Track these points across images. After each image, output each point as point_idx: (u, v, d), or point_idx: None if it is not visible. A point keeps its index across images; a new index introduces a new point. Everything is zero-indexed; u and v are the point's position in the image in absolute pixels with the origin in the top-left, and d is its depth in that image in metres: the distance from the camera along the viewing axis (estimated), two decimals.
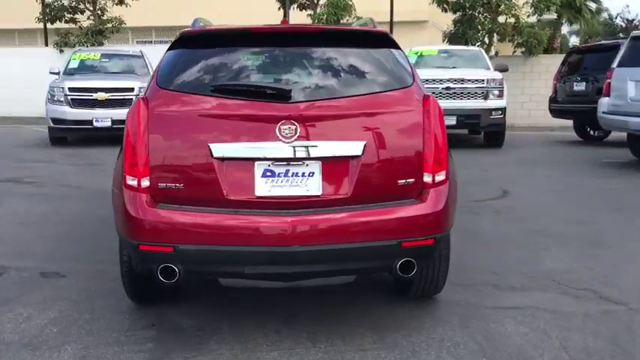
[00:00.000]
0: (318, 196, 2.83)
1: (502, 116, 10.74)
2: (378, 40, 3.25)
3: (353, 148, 2.84)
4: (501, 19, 17.79)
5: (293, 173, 2.83)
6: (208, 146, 2.80)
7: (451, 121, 10.57)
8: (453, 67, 11.48)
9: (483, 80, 10.64)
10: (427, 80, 10.77)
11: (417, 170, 2.93)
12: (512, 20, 17.48)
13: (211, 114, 2.86)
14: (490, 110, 10.61)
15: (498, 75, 10.91)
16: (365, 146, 2.85)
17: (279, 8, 19.81)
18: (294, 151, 2.80)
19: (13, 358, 2.93)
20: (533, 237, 5.04)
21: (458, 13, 17.61)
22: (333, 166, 2.85)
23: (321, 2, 20.22)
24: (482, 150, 11.11)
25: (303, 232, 2.76)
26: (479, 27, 17.36)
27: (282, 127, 2.79)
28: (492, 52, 17.37)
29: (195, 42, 3.17)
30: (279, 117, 2.80)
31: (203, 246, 2.78)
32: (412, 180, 2.93)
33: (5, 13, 26.50)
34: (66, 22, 20.57)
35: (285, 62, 3.07)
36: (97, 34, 19.74)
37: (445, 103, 10.61)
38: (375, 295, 3.72)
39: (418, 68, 11.45)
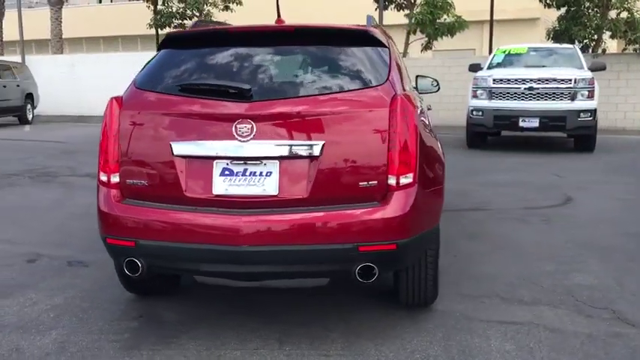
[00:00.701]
0: (274, 196, 2.79)
1: (592, 119, 9.97)
2: (358, 37, 3.15)
3: (310, 148, 2.78)
4: (613, 13, 16.55)
5: (251, 172, 2.81)
6: (170, 145, 2.86)
7: (533, 123, 10.02)
8: (542, 66, 10.84)
9: (570, 80, 9.95)
10: (509, 80, 10.28)
11: (380, 172, 2.81)
12: (625, 15, 16.20)
13: (174, 113, 2.92)
14: (578, 112, 9.89)
15: (588, 74, 10.15)
16: (323, 147, 2.78)
17: (376, 9, 19.73)
18: (250, 150, 2.78)
19: (1, 338, 3.15)
20: (575, 249, 4.65)
21: (563, 9, 16.60)
22: (291, 167, 2.80)
23: (418, 1, 19.92)
24: (569, 154, 10.39)
25: (254, 233, 2.74)
26: (586, 23, 16.24)
27: (238, 126, 2.78)
28: (600, 50, 16.20)
29: (177, 43, 3.24)
30: (236, 116, 2.80)
31: (161, 242, 2.83)
32: (375, 182, 2.81)
33: (126, 20, 28.52)
34: (174, 27, 21.79)
35: (257, 62, 3.05)
36: None
37: (528, 104, 10.08)
38: (368, 300, 3.60)
39: (504, 68, 10.95)
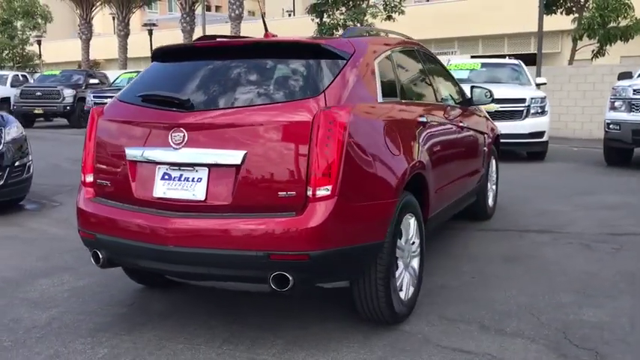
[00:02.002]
0: (201, 201, 2.96)
1: None
2: (312, 51, 3.19)
3: (232, 157, 2.90)
4: None
5: (185, 178, 3.01)
6: (124, 150, 3.17)
7: None
8: None
9: None
10: None
11: (299, 184, 2.84)
12: None
13: (131, 121, 3.23)
14: None
15: None
16: (245, 156, 2.88)
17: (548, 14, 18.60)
18: (181, 156, 2.99)
19: (13, 310, 3.71)
20: (616, 282, 4.11)
21: None
22: (218, 174, 2.95)
23: (589, 5, 18.44)
24: None
25: (179, 235, 2.94)
26: None
27: (173, 134, 3.00)
28: None
29: (161, 57, 3.54)
30: (171, 125, 3.02)
31: (111, 237, 3.16)
32: (294, 193, 2.84)
33: (292, 34, 30.07)
34: None
35: (206, 74, 3.24)
36: None
37: None
38: (351, 313, 3.55)
39: None
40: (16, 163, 6.29)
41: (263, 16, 4.07)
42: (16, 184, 6.34)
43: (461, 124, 4.66)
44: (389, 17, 23.07)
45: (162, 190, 3.06)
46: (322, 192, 2.82)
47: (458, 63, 12.28)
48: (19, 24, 35.80)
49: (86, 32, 33.32)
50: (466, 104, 5.15)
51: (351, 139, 2.91)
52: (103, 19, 46.95)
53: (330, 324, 3.42)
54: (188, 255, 2.93)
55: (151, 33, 31.11)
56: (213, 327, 3.42)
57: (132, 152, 3.14)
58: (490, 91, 5.19)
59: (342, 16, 22.11)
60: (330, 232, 2.83)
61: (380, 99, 3.37)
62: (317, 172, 2.82)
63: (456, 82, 5.17)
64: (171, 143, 3.01)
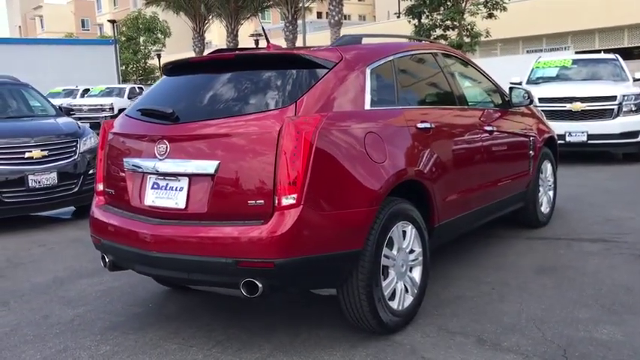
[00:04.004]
0: (182, 210, 3.11)
1: None
2: (292, 61, 3.24)
3: (207, 167, 3.01)
4: None
5: (170, 187, 3.18)
6: (123, 160, 3.40)
7: None
8: None
9: None
10: None
11: (267, 192, 2.89)
12: None
13: (129, 134, 3.44)
14: None
15: None
16: (218, 166, 2.99)
17: None
18: (165, 167, 3.15)
19: (48, 306, 4.07)
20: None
21: None
22: (196, 183, 3.08)
23: None
24: None
25: (160, 241, 3.10)
26: None
27: (158, 146, 3.17)
28: None
29: (168, 71, 3.74)
30: (157, 137, 3.19)
31: (111, 242, 3.39)
32: (262, 202, 2.90)
33: None
34: (435, 38, 22.23)
35: (193, 87, 3.39)
36: (456, 48, 20.72)
37: None
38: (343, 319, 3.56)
39: None
40: (90, 172, 6.84)
41: (264, 30, 4.17)
42: (90, 190, 6.88)
43: (489, 128, 4.47)
44: (490, 15, 22.37)
45: (151, 198, 3.24)
46: (287, 201, 2.86)
47: (546, 60, 11.66)
48: (141, 40, 38.52)
49: (199, 45, 35.24)
50: (505, 107, 4.93)
51: (319, 148, 2.92)
52: (219, 31, 49.38)
53: (323, 331, 3.44)
54: (168, 260, 3.08)
55: (257, 43, 32.31)
56: (212, 330, 3.56)
57: (129, 163, 3.36)
58: (528, 92, 4.93)
59: (439, 17, 21.74)
60: (295, 241, 2.86)
61: (367, 106, 3.34)
62: (282, 181, 2.86)
63: (493, 85, 4.96)
64: (157, 154, 3.18)
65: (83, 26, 74.58)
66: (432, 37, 22.04)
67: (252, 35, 34.70)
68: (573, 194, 6.96)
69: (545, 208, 5.62)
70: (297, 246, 2.88)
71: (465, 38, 21.59)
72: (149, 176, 3.27)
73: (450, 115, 4.11)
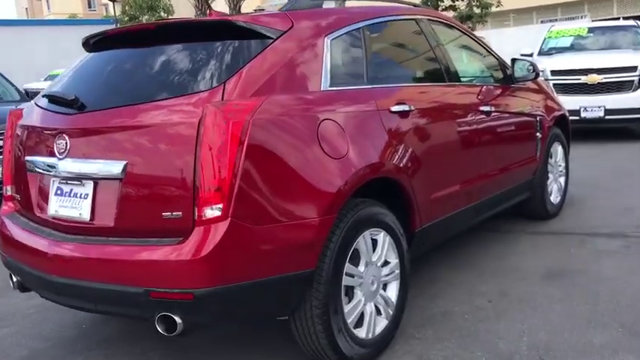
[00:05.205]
0: (87, 223, 2.47)
1: None
2: (225, 30, 2.55)
3: (112, 168, 2.37)
4: None
5: (74, 193, 2.53)
6: (26, 159, 2.76)
7: None
8: None
9: None
10: None
11: (186, 202, 2.24)
12: None
13: (32, 126, 2.79)
14: None
15: None
16: (126, 167, 2.34)
17: None
18: (64, 167, 2.51)
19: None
20: None
21: None
22: (102, 189, 2.44)
23: None
24: None
25: (61, 262, 2.47)
26: None
27: (57, 142, 2.53)
28: None
29: (87, 47, 3.06)
30: (56, 130, 2.55)
31: (15, 260, 2.76)
32: (179, 214, 2.25)
33: None
34: (444, 9, 21.26)
35: (100, 68, 2.72)
36: (466, 19, 19.78)
37: None
38: None
39: None
40: None
41: None
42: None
43: (486, 109, 3.76)
44: None
45: (54, 207, 2.60)
46: (211, 212, 2.20)
47: (560, 29, 10.80)
48: (144, 19, 37.76)
49: None
50: (506, 82, 4.21)
51: (254, 144, 2.26)
52: (223, 9, 48.33)
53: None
54: (70, 287, 2.45)
55: None
56: (191, 346, 2.96)
57: (32, 162, 2.72)
58: (534, 65, 4.20)
59: None
60: (221, 265, 2.21)
61: (325, 86, 2.66)
62: (204, 188, 2.21)
63: (492, 57, 4.24)
64: (56, 153, 2.54)
65: (90, 7, 73.75)
66: (440, 9, 21.09)
67: (257, 11, 33.73)
68: (588, 178, 6.23)
69: (554, 198, 4.91)
70: (224, 271, 2.22)
71: (475, 9, 20.60)
72: (52, 179, 2.63)
73: (435, 93, 3.40)
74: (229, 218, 2.20)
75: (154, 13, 37.46)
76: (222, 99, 2.29)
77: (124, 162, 2.34)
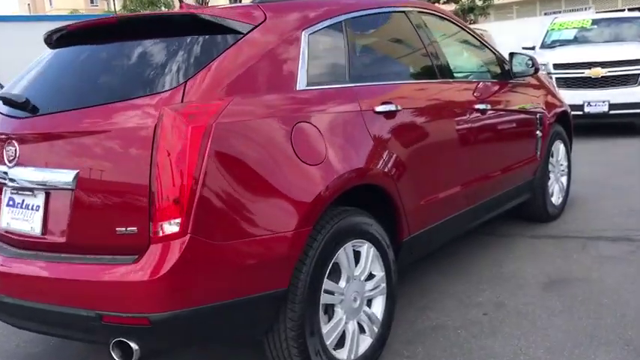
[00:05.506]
0: (39, 238, 2.25)
1: None
2: (192, 26, 2.32)
3: (62, 177, 2.15)
4: None
5: (27, 205, 2.32)
6: None
7: None
8: None
9: None
10: None
11: (141, 216, 2.02)
12: None
13: None
14: None
15: None
16: (77, 176, 2.12)
17: None
18: (15, 176, 2.30)
19: None
20: None
21: None
22: (54, 201, 2.22)
23: None
24: None
25: (10, 281, 2.26)
26: None
27: (6, 148, 2.31)
28: None
29: (48, 43, 2.82)
30: (5, 135, 2.34)
31: None
32: (134, 229, 2.03)
33: None
34: (445, 1, 20.95)
35: (69, 65, 2.49)
36: (468, 12, 19.48)
37: None
38: None
39: None
40: None
41: None
42: None
43: (482, 107, 3.52)
44: None
45: (6, 219, 2.39)
46: (168, 228, 1.98)
47: (563, 21, 10.52)
48: None
49: None
50: (504, 78, 3.97)
51: (217, 150, 2.04)
52: (224, 3, 48.11)
53: None
54: (21, 309, 2.24)
55: None
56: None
57: None
58: (533, 59, 3.96)
59: None
60: (180, 286, 1.99)
61: (301, 86, 2.43)
62: (160, 200, 1.99)
63: (489, 52, 3.99)
64: (6, 160, 2.32)
65: (92, 2, 73.57)
66: (441, 1, 20.77)
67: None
68: (591, 176, 5.99)
69: (556, 199, 4.67)
70: (183, 294, 2.00)
71: (477, 1, 20.27)
72: (4, 189, 2.41)
73: (424, 91, 3.17)
74: (188, 234, 1.98)
75: (155, 8, 37.19)
76: (182, 100, 2.07)
77: (76, 171, 2.13)
